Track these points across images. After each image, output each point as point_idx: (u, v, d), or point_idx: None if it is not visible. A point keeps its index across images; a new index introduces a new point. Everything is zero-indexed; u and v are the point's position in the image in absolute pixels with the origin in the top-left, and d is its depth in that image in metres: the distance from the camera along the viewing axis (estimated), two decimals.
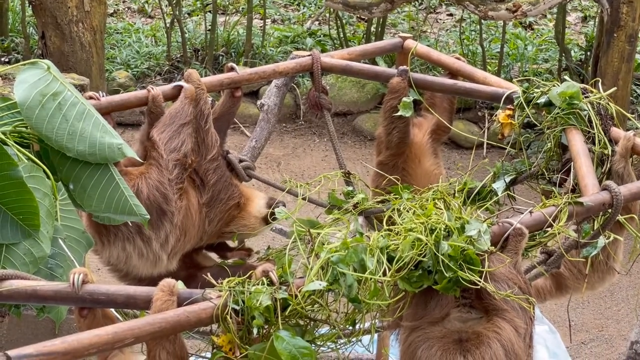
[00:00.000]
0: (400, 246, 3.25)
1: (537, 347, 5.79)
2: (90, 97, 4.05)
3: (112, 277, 4.32)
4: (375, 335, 5.29)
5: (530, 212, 3.52)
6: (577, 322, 6.71)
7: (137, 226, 3.99)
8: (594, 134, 4.05)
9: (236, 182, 4.50)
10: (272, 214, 4.43)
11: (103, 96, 4.13)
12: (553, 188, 4.05)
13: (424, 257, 3.24)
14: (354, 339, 3.26)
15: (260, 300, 3.00)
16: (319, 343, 3.14)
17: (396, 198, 3.73)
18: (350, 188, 4.44)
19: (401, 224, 3.39)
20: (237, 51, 11.21)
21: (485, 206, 4.09)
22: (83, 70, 8.48)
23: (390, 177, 4.28)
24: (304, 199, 3.94)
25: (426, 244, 3.24)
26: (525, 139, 4.39)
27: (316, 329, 3.18)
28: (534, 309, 3.42)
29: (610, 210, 3.65)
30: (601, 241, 3.71)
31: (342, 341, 3.26)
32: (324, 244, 3.22)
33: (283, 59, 9.87)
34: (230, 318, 2.99)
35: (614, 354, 6.33)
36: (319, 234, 3.34)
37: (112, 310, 3.35)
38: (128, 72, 10.80)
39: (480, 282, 3.23)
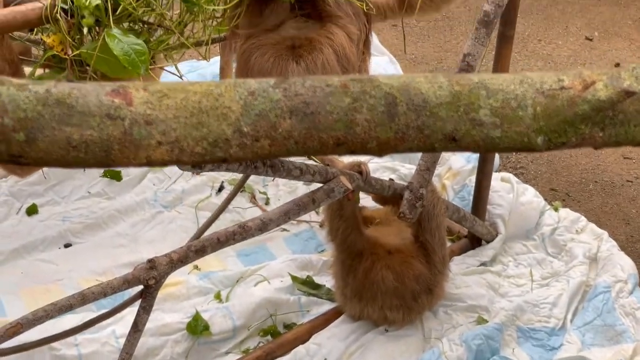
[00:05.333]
0: None
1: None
2: None
3: None
4: (218, 62, 5.34)
5: None
6: (418, 54, 6.83)
7: None
8: None
9: None
10: None
11: None
12: None
13: None
14: (188, 55, 3.26)
15: None
16: (152, 45, 3.11)
17: None
18: None
19: None
20: None
21: None
22: None
23: None
24: None
25: None
26: None
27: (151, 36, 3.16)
28: (369, 11, 3.45)
29: None
30: None
31: (175, 46, 3.25)
32: None
33: None
34: (60, 17, 2.92)
35: None
36: None
37: None
38: None
39: None
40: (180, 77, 3.40)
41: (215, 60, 5.36)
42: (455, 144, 1.44)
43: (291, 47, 3.37)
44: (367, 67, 3.51)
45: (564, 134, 1.44)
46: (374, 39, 4.15)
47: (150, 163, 1.38)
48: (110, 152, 1.36)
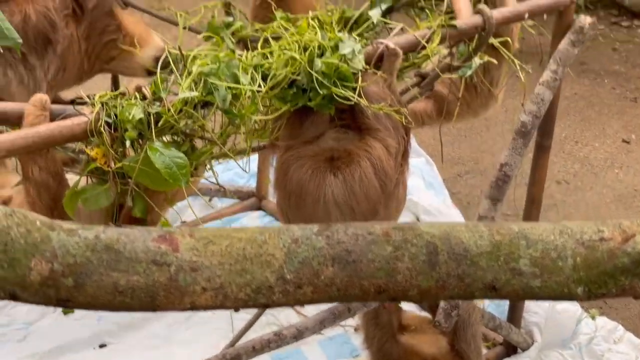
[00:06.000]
0: (274, 64, 3.27)
1: (414, 178, 5.97)
2: None
3: None
4: (256, 161, 5.41)
5: (402, 29, 3.58)
6: (454, 155, 6.87)
7: (22, 53, 3.91)
8: None
9: (120, 17, 4.35)
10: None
11: None
12: (428, 13, 4.11)
13: (297, 75, 3.27)
14: (227, 160, 3.30)
15: (133, 113, 2.99)
16: (193, 156, 3.15)
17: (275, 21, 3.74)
18: (230, 19, 4.41)
19: (275, 44, 3.40)
20: None
21: (359, 31, 4.13)
22: None
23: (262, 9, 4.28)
24: (185, 28, 3.90)
25: (300, 62, 3.26)
26: None
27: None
28: (408, 124, 3.48)
29: (483, 33, 3.73)
30: (476, 62, 3.80)
31: (218, 161, 3.30)
32: (196, 59, 3.21)
33: None
34: (104, 130, 2.98)
35: (487, 184, 6.51)
36: (191, 53, 3.33)
37: None
38: None
39: (353, 97, 3.27)
40: (218, 184, 3.44)
41: (254, 158, 5.39)
42: (495, 292, 1.45)
43: (329, 159, 3.40)
44: (404, 179, 3.53)
45: (604, 285, 1.45)
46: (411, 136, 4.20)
47: (194, 308, 1.41)
48: (156, 297, 1.38)
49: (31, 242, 1.34)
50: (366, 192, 3.36)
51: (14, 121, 3.01)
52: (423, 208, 5.90)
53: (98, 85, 4.65)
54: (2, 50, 3.88)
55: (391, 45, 3.48)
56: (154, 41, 4.42)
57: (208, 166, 3.33)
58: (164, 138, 3.09)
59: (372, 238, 1.43)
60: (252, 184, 5.86)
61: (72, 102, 4.32)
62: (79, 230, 1.39)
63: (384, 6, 4.30)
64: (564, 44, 4.03)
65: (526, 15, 3.90)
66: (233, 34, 4.23)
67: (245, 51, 4.42)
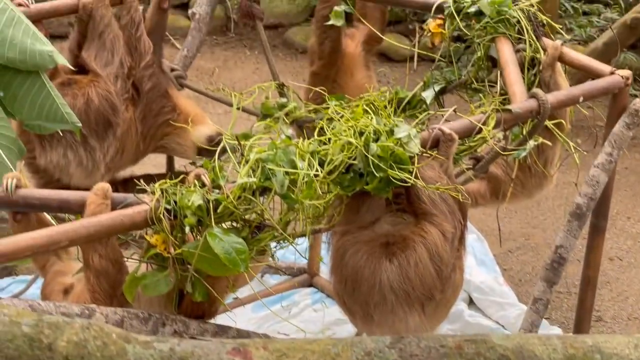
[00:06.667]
0: (330, 150, 3.29)
1: (466, 255, 5.94)
2: (20, 4, 3.99)
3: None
4: (308, 243, 5.42)
5: (454, 110, 3.62)
6: (505, 231, 6.83)
7: (82, 135, 3.98)
8: (525, 39, 4.12)
9: (175, 98, 4.43)
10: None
11: (32, 3, 4.09)
12: (482, 96, 4.13)
13: (354, 160, 3.29)
14: (286, 243, 3.31)
15: (192, 200, 3.03)
16: (253, 242, 3.17)
17: (326, 108, 3.78)
18: (284, 100, 4.47)
19: (331, 131, 3.43)
20: None
21: (414, 114, 4.17)
22: None
23: (316, 90, 4.32)
24: (238, 108, 3.95)
25: (356, 146, 3.28)
26: (455, 50, 4.44)
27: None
28: (464, 208, 3.48)
29: (537, 117, 3.74)
30: (530, 144, 3.80)
31: (276, 245, 3.31)
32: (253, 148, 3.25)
33: None
34: (164, 217, 3.02)
35: (539, 261, 6.46)
36: (248, 142, 3.36)
37: (47, 215, 3.35)
38: None
39: (410, 179, 3.28)
40: (276, 267, 3.46)
41: None
42: None
43: (385, 244, 3.41)
44: (461, 264, 3.52)
45: None
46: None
47: None
48: None
49: (108, 355, 1.36)
50: (421, 277, 3.36)
51: (76, 210, 3.05)
52: (475, 286, 5.87)
53: (152, 161, 4.71)
54: (62, 133, 3.95)
55: (447, 130, 3.50)
56: (207, 122, 4.48)
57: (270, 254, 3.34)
58: (224, 224, 3.11)
59: (444, 351, 1.44)
60: (304, 260, 5.86)
61: (126, 180, 4.40)
62: (154, 343, 1.41)
63: (437, 87, 4.34)
64: (619, 126, 4.03)
65: (581, 99, 3.90)
66: (287, 114, 4.30)
67: (300, 133, 4.51)
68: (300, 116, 4.33)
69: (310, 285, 5.89)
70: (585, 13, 10.11)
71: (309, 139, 3.38)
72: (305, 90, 4.96)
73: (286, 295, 5.69)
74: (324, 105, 4.02)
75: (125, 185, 4.40)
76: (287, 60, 9.81)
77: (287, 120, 4.23)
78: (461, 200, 3.45)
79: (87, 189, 3.39)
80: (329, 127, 3.49)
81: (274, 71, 4.76)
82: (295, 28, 10.30)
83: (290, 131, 4.86)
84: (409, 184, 3.31)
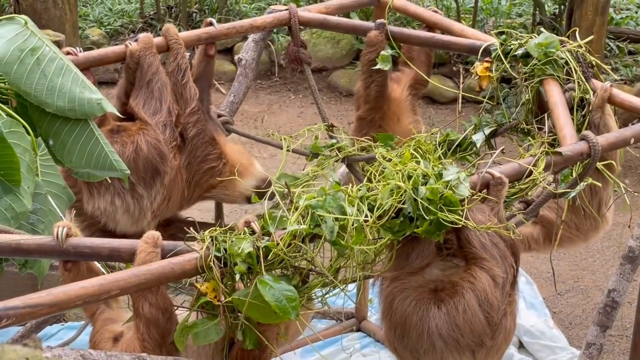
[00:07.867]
0: (380, 194, 3.27)
1: None
2: (68, 53, 4.03)
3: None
4: (355, 289, 5.39)
5: (502, 151, 3.61)
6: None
7: (131, 183, 4.00)
8: (574, 80, 4.09)
9: (222, 145, 4.43)
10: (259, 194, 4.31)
11: (80, 52, 4.12)
12: (531, 139, 4.10)
13: (403, 204, 3.27)
14: (337, 289, 3.28)
15: (242, 247, 3.02)
16: (303, 290, 3.16)
17: (377, 147, 3.78)
18: (334, 140, 4.47)
19: (380, 174, 3.41)
20: (210, 8, 11.15)
21: (464, 156, 4.14)
22: (56, 28, 8.38)
23: (360, 139, 4.33)
24: (288, 151, 3.94)
25: (405, 190, 3.26)
26: (502, 92, 4.41)
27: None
28: (517, 252, 3.44)
29: (588, 160, 3.69)
30: (580, 186, 3.75)
31: (324, 292, 3.29)
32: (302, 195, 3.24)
33: (257, 15, 9.81)
34: (214, 265, 3.01)
35: (589, 304, 6.40)
36: (297, 189, 3.36)
37: (97, 264, 3.35)
38: (101, 29, 10.70)
39: (460, 220, 3.25)
40: (324, 312, 3.43)
41: None
42: None
43: (433, 290, 3.37)
44: (513, 309, 3.47)
45: None
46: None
47: None
48: None
49: None
50: (470, 324, 3.32)
51: (127, 258, 3.05)
52: (525, 329, 5.80)
53: (197, 205, 4.71)
54: (110, 180, 3.96)
55: (497, 173, 3.47)
56: (255, 170, 4.48)
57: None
58: (274, 272, 3.10)
59: None
60: (351, 304, 5.82)
61: (169, 222, 4.39)
62: None
63: (487, 130, 4.31)
64: None
65: (632, 140, 3.85)
66: (339, 150, 4.32)
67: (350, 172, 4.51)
68: (350, 154, 4.34)
69: (359, 329, 5.85)
70: (630, 52, 10.08)
71: (357, 177, 3.36)
72: (352, 133, 4.95)
73: (334, 340, 5.66)
74: (374, 144, 4.03)
75: (167, 226, 4.43)
76: (331, 103, 9.84)
77: (338, 158, 4.27)
78: (513, 242, 3.41)
79: (133, 235, 3.40)
80: (377, 172, 3.48)
81: (324, 114, 4.75)
82: (339, 71, 10.35)
83: (342, 170, 4.87)
84: (459, 226, 3.28)
